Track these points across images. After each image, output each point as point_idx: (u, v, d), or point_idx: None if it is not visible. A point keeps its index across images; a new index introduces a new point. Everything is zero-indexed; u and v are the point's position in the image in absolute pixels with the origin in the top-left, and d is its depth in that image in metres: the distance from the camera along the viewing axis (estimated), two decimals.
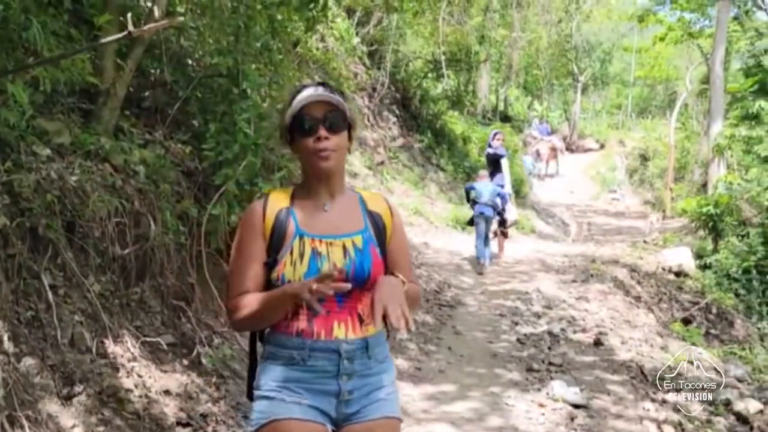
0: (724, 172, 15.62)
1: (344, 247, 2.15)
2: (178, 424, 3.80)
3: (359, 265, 2.15)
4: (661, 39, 23.56)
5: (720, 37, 17.27)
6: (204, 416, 4.00)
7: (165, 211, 4.74)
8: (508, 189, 11.35)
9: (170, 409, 3.88)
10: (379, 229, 2.26)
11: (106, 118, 4.89)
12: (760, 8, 19.05)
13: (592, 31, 36.12)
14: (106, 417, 3.42)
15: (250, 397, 2.22)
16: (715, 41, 17.72)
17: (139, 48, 5.05)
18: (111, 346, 3.77)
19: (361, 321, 2.17)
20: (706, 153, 17.01)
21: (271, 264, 2.14)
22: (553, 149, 26.55)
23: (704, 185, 17.24)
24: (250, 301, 2.10)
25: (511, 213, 11.51)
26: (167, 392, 3.95)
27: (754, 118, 14.68)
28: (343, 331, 2.14)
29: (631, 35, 38.11)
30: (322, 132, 2.11)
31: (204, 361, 4.57)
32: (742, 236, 12.79)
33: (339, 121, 2.15)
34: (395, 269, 2.26)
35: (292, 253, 2.12)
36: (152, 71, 5.83)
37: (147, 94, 5.67)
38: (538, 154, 25.57)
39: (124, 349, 3.87)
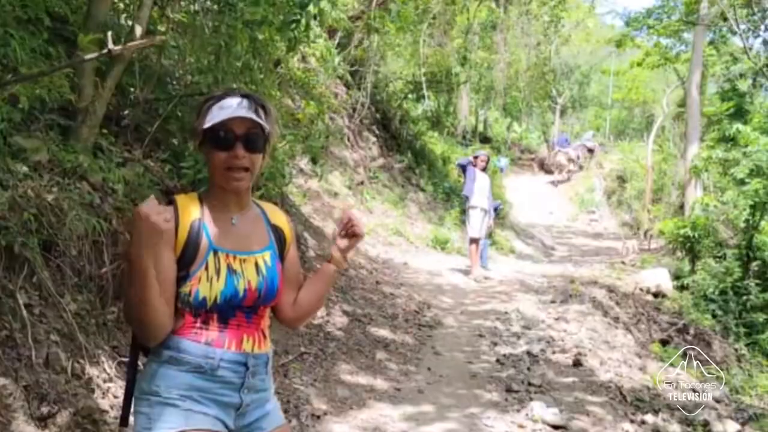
0: (700, 194, 15.79)
1: (256, 264, 2.15)
2: None
3: (270, 282, 2.17)
4: (639, 64, 23.86)
5: (696, 61, 17.54)
6: None
7: None
8: (473, 201, 11.49)
9: None
10: (281, 243, 2.28)
11: (85, 135, 4.87)
12: (734, 33, 19.33)
13: (571, 54, 36.52)
14: None
15: (127, 407, 2.14)
16: (691, 65, 17.98)
17: (119, 66, 5.04)
18: (87, 367, 3.71)
19: (265, 336, 2.21)
20: (683, 175, 17.18)
21: (182, 278, 2.06)
22: (570, 159, 29.94)
23: (681, 207, 17.39)
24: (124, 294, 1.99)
25: (472, 229, 11.54)
26: None
27: (731, 141, 14.89)
28: (251, 345, 2.15)
29: (609, 58, 38.60)
30: (239, 150, 2.06)
31: None
32: (719, 258, 12.92)
33: (258, 140, 2.10)
34: (290, 280, 2.29)
35: (207, 268, 2.07)
36: (132, 90, 5.82)
37: (126, 112, 5.64)
38: (559, 164, 29.60)
39: (100, 369, 3.82)
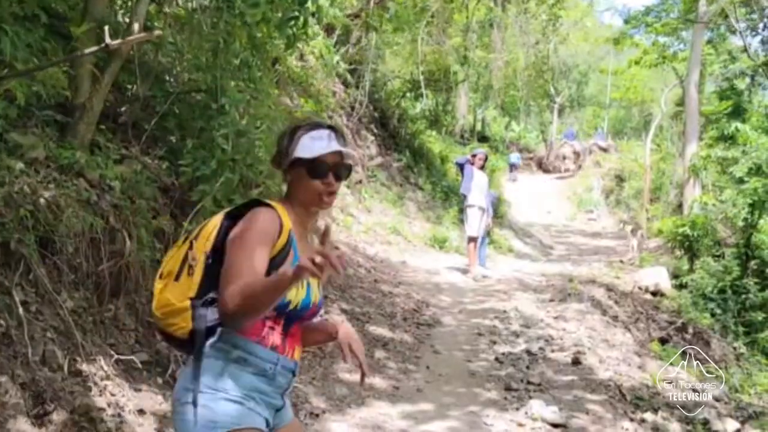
0: (699, 192, 15.78)
1: (318, 283, 2.28)
2: None
3: (320, 301, 2.35)
4: (637, 62, 23.85)
5: (694, 60, 17.53)
6: None
7: (140, 227, 4.67)
8: (471, 199, 11.45)
9: (144, 428, 3.79)
10: None
11: (82, 132, 4.84)
12: (733, 32, 19.35)
13: (569, 53, 36.52)
14: None
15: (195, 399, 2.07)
16: (689, 64, 17.96)
17: (117, 62, 5.01)
18: (83, 364, 3.68)
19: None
20: (682, 174, 17.18)
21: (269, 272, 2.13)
22: (576, 152, 31.44)
23: (680, 206, 17.41)
24: (248, 286, 1.98)
25: (470, 227, 11.51)
26: (141, 411, 3.86)
27: (730, 139, 14.88)
28: (298, 353, 2.31)
29: (607, 57, 38.61)
30: (331, 179, 2.28)
31: None
32: (718, 256, 12.92)
33: (344, 170, 2.34)
34: None
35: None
36: (129, 87, 5.79)
37: (124, 109, 5.61)
38: (564, 156, 31.37)
39: (97, 367, 3.79)
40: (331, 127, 2.35)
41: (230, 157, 5.22)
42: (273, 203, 2.24)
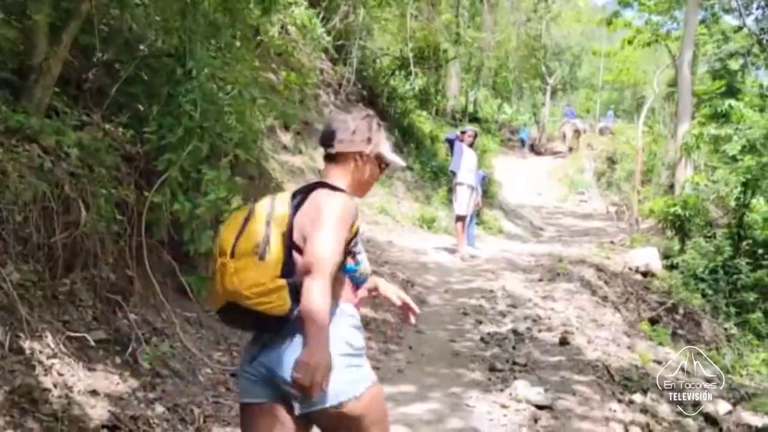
0: (691, 173, 15.52)
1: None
2: (104, 427, 3.44)
3: None
4: (630, 42, 23.50)
5: (688, 38, 17.18)
6: (134, 419, 3.64)
7: (100, 197, 4.38)
8: (460, 177, 11.17)
9: (96, 411, 3.51)
10: None
11: (38, 96, 4.54)
12: (726, 11, 19.06)
13: (562, 34, 36.15)
14: (16, 419, 3.05)
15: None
16: (683, 43, 17.61)
17: (75, 22, 4.70)
18: (27, 341, 3.40)
19: None
20: (674, 155, 16.92)
21: (351, 254, 2.42)
22: (576, 131, 31.61)
23: (671, 187, 17.15)
24: (324, 314, 2.16)
25: (459, 206, 11.23)
26: (94, 392, 3.59)
27: (723, 117, 14.62)
28: None
29: (600, 39, 38.25)
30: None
31: (140, 359, 4.22)
32: (709, 237, 12.70)
33: None
34: None
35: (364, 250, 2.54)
36: (95, 50, 5.46)
37: (89, 74, 5.29)
38: (564, 134, 31.86)
39: (43, 345, 3.50)
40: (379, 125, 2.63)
41: (198, 125, 4.92)
42: (339, 188, 2.41)
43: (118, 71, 5.27)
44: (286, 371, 2.17)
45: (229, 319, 2.40)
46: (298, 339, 2.21)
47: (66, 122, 4.50)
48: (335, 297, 2.27)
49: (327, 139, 2.51)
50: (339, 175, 2.48)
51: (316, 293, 2.13)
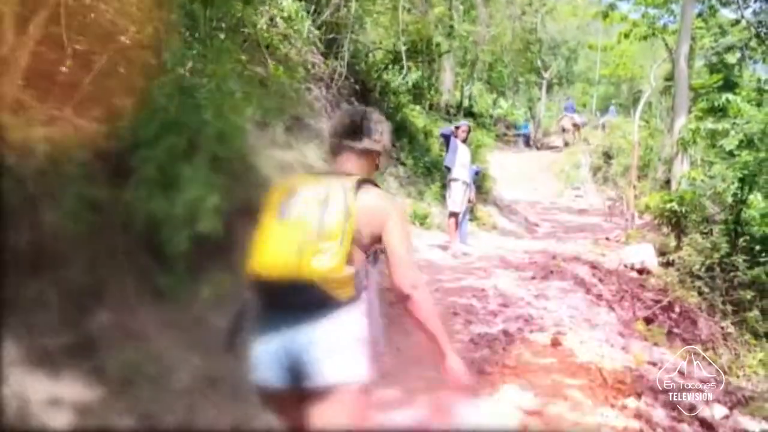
0: (687, 168, 15.33)
1: None
2: None
3: None
4: (626, 35, 23.28)
5: (685, 31, 16.95)
6: (101, 429, 3.46)
7: (69, 195, 4.18)
8: (454, 173, 10.97)
9: (58, 421, 3.33)
10: None
11: (4, 89, 4.33)
12: (724, 4, 18.86)
13: (557, 28, 35.92)
14: None
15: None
16: (679, 36, 17.39)
17: (45, 12, 4.49)
18: None
19: None
20: (670, 150, 16.73)
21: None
22: (575, 124, 32.01)
23: (667, 182, 16.96)
24: (431, 312, 2.69)
25: (453, 202, 11.04)
26: (55, 402, 3.40)
27: (720, 111, 14.43)
28: None
29: (596, 33, 38.04)
30: None
31: (110, 366, 4.02)
32: (706, 233, 12.51)
33: None
34: None
35: None
36: (70, 43, 5.25)
37: (61, 68, 5.08)
38: (563, 128, 32.06)
39: (2, 352, 3.31)
40: None
41: (174, 119, 4.72)
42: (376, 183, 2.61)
43: (92, 63, 5.07)
44: (321, 351, 2.35)
45: (275, 294, 2.39)
46: (337, 321, 2.39)
47: (32, 117, 4.29)
48: (369, 288, 2.50)
49: (353, 132, 2.61)
50: (358, 169, 2.59)
51: (433, 305, 2.64)
